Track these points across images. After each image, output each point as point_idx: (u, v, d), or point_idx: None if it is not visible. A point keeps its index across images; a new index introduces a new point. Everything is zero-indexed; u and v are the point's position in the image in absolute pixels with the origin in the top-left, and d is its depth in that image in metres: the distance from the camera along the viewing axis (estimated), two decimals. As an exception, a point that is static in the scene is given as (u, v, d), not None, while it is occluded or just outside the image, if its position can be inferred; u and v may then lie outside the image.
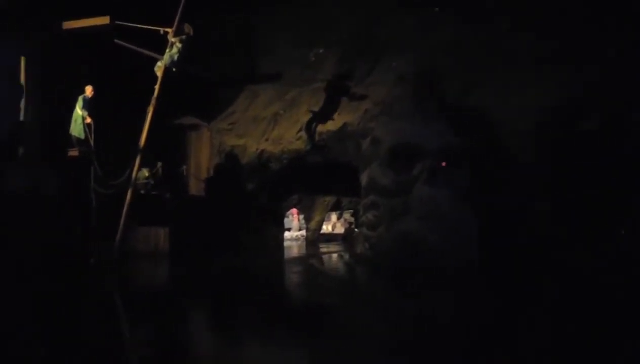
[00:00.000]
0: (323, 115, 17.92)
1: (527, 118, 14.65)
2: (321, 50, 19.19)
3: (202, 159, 20.05)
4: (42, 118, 14.93)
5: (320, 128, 17.80)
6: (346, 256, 18.41)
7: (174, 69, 15.26)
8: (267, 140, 19.05)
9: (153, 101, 15.07)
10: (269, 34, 19.87)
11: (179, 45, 15.13)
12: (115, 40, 15.28)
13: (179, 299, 10.32)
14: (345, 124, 17.14)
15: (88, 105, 15.12)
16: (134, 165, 14.87)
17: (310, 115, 18.09)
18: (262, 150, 19.02)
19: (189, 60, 15.75)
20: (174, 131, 19.63)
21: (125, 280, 13.38)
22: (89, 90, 15.17)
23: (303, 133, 18.15)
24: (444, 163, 14.07)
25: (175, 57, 15.13)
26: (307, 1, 19.29)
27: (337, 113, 17.70)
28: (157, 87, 15.17)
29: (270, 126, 19.13)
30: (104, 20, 15.06)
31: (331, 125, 17.53)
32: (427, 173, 13.70)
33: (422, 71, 15.60)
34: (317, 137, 17.81)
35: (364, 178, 14.95)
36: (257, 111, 19.58)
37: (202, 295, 10.70)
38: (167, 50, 15.20)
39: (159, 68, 15.27)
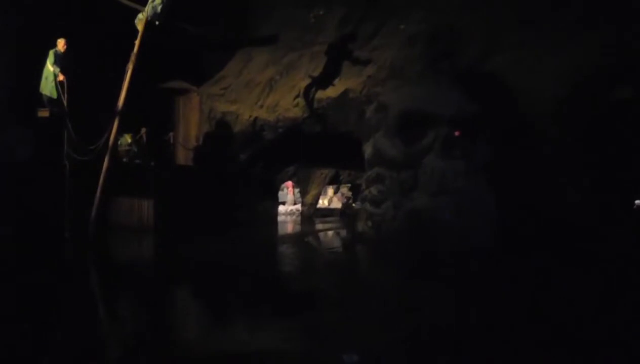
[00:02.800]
0: (322, 81, 16.06)
1: (552, 86, 12.84)
2: (321, 12, 17.29)
3: (190, 126, 18.20)
4: (9, 76, 13.11)
5: (319, 94, 15.95)
6: (345, 234, 16.69)
7: (157, 22, 13.36)
8: (261, 107, 17.19)
9: (132, 57, 13.16)
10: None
11: None
12: None
13: (159, 281, 9.08)
14: (346, 90, 15.30)
15: (60, 60, 13.25)
16: (111, 129, 13.04)
17: (308, 81, 16.27)
18: (256, 118, 17.16)
19: (174, 13, 13.85)
20: (160, 95, 17.72)
21: (102, 257, 11.77)
22: (61, 44, 13.26)
23: (300, 100, 16.30)
24: (457, 133, 12.38)
25: (159, 9, 13.21)
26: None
27: (338, 79, 15.90)
28: (137, 42, 13.26)
29: (265, 92, 17.24)
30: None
31: (331, 92, 15.69)
32: (439, 144, 11.96)
33: (435, 31, 13.76)
34: (315, 104, 16.00)
35: (367, 149, 13.16)
36: (251, 76, 17.68)
37: (182, 278, 9.39)
38: (150, 1, 13.32)
39: (139, 22, 13.36)
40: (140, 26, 13.29)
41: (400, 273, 10.00)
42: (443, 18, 14.21)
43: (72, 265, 10.52)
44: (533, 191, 12.53)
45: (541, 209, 12.34)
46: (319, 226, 19.73)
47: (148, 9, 13.23)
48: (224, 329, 6.00)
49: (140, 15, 13.36)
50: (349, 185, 27.44)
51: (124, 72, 13.41)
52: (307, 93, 16.19)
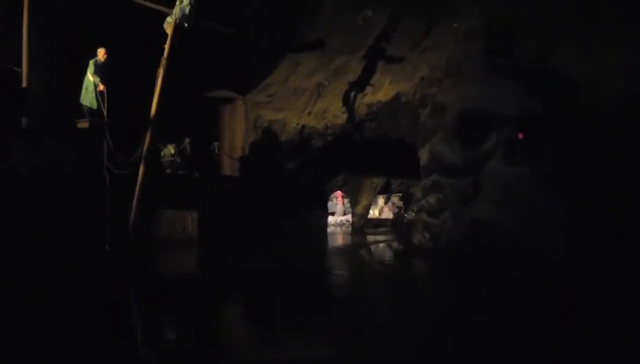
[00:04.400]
0: (372, 85, 15.13)
1: (622, 81, 11.55)
2: (370, 13, 16.36)
3: (236, 136, 17.40)
4: (48, 86, 12.55)
5: (369, 99, 14.96)
6: (400, 247, 15.53)
7: (185, 24, 12.55)
8: (309, 114, 16.27)
9: (163, 62, 12.29)
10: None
11: None
12: None
13: (202, 296, 8.40)
14: (398, 94, 14.20)
15: (100, 70, 12.62)
16: (145, 140, 12.26)
17: (357, 86, 15.34)
18: (304, 126, 16.23)
19: (204, 14, 13.03)
20: (204, 105, 17.04)
21: (144, 270, 11.01)
22: (101, 53, 12.64)
23: (350, 106, 15.38)
24: (521, 135, 11.19)
25: (187, 10, 12.35)
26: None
27: (388, 82, 14.88)
28: (167, 46, 12.46)
29: (313, 98, 16.33)
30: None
31: (382, 95, 14.64)
32: (502, 147, 10.80)
33: (492, 26, 12.58)
34: (365, 110, 14.99)
35: (423, 155, 12.05)
36: (298, 82, 16.82)
37: (227, 291, 8.81)
38: (178, 2, 12.53)
39: (168, 25, 12.51)
40: (169, 30, 12.51)
41: (464, 289, 8.89)
42: (498, 12, 13.05)
43: (112, 279, 9.78)
44: (605, 197, 11.22)
45: (614, 216, 11.03)
46: (371, 237, 18.61)
47: (176, 11, 12.43)
48: (275, 346, 5.64)
49: (168, 19, 12.59)
50: (400, 194, 26.25)
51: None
52: (356, 98, 15.23)
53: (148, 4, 12.66)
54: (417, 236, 11.82)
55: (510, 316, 6.80)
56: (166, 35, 12.71)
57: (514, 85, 11.44)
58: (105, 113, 12.47)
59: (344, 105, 15.52)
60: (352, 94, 15.27)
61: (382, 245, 16.34)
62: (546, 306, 7.38)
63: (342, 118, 15.54)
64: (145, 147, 12.03)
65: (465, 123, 11.06)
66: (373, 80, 15.04)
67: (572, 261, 10.10)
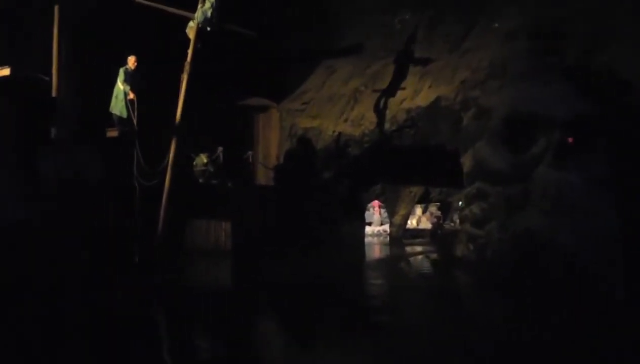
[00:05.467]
0: (411, 90, 14.42)
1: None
2: (407, 16, 15.68)
3: (270, 144, 16.85)
4: (78, 95, 12.18)
5: (407, 104, 14.24)
6: (441, 259, 14.67)
7: (208, 28, 12.04)
8: (345, 121, 15.63)
9: (186, 67, 11.83)
10: (345, 0, 16.56)
11: None
12: None
13: (234, 310, 7.92)
14: (438, 98, 13.45)
15: (131, 78, 12.21)
16: (171, 148, 11.73)
17: (396, 90, 14.66)
18: (340, 133, 15.57)
19: (228, 17, 12.53)
20: (238, 113, 16.54)
21: (173, 283, 10.44)
22: (131, 61, 12.24)
23: (388, 112, 14.68)
24: (571, 139, 10.32)
25: (209, 13, 11.87)
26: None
27: (427, 87, 14.15)
28: (190, 51, 11.98)
29: (350, 105, 15.69)
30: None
31: (421, 100, 13.92)
32: (552, 152, 9.95)
33: (537, 24, 11.75)
34: (404, 115, 14.28)
35: (466, 162, 11.26)
36: (334, 88, 16.20)
37: (261, 305, 8.41)
38: (199, 6, 12.04)
39: (191, 30, 12.07)
40: (191, 34, 12.05)
41: (513, 304, 8.09)
42: (540, 11, 12.23)
43: (141, 292, 9.25)
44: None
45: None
46: (410, 248, 17.80)
47: (198, 14, 11.97)
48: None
49: (191, 23, 12.15)
50: (438, 204, 25.37)
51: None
52: (393, 103, 14.55)
53: (170, 9, 12.27)
54: (460, 247, 10.99)
55: (564, 335, 6.04)
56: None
57: (562, 86, 10.58)
58: (135, 122, 12.04)
59: (381, 111, 14.85)
60: (390, 99, 14.59)
61: (422, 256, 15.53)
62: (602, 325, 6.58)
63: (380, 124, 14.85)
64: (171, 155, 11.51)
65: (512, 126, 10.24)
66: (411, 85, 14.35)
67: (630, 275, 9.19)
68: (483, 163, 10.58)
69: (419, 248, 17.59)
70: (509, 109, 10.31)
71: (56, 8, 12.13)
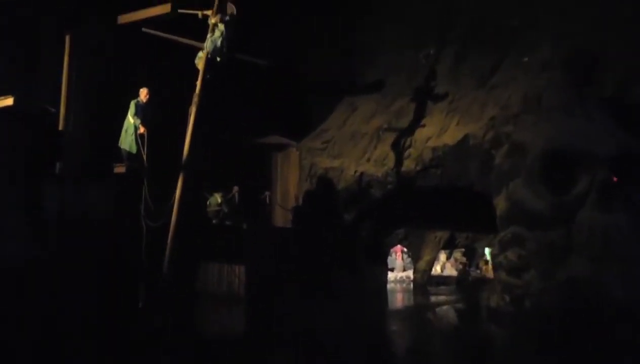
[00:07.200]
0: (437, 127, 13.48)
1: None
2: (432, 51, 14.86)
3: (289, 184, 15.88)
4: (86, 128, 11.46)
5: (433, 142, 13.27)
6: (472, 310, 13.37)
7: (218, 58, 11.31)
8: (368, 160, 14.64)
9: (195, 99, 11.03)
10: (367, 35, 15.83)
11: (221, 27, 11.20)
12: (143, 29, 11.55)
13: None
14: (466, 136, 12.45)
15: (142, 111, 11.45)
16: (179, 184, 10.82)
17: (421, 129, 13.75)
18: (362, 173, 14.56)
19: (238, 46, 11.82)
20: (255, 151, 15.69)
21: (177, 331, 9.43)
22: (143, 94, 11.48)
23: (413, 151, 13.72)
24: (615, 178, 9.26)
25: (219, 42, 11.13)
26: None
27: (455, 124, 13.20)
28: (199, 82, 11.20)
29: (372, 144, 14.73)
30: (165, 8, 11.41)
31: (448, 138, 12.92)
32: (597, 191, 8.89)
33: (572, 55, 10.82)
34: (430, 154, 13.30)
35: (500, 204, 10.17)
36: (355, 126, 15.28)
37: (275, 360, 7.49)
38: (209, 35, 11.32)
39: (200, 60, 11.33)
40: (200, 65, 11.32)
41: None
42: (575, 41, 11.34)
43: (144, 341, 8.28)
44: None
45: None
46: (436, 297, 16.55)
47: (207, 44, 11.26)
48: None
49: (200, 53, 11.43)
50: (463, 249, 24.13)
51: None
52: (418, 142, 13.63)
53: (179, 39, 11.64)
54: (495, 298, 9.83)
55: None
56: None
57: (603, 119, 9.61)
58: (145, 158, 11.22)
59: (406, 150, 13.90)
60: (415, 138, 13.66)
61: (450, 306, 14.27)
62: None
63: (405, 164, 13.86)
64: (178, 192, 10.60)
65: (550, 164, 9.22)
66: (438, 122, 13.41)
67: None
68: (519, 205, 9.54)
69: (445, 297, 16.33)
70: (547, 145, 9.32)
71: (67, 38, 11.55)
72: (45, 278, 10.09)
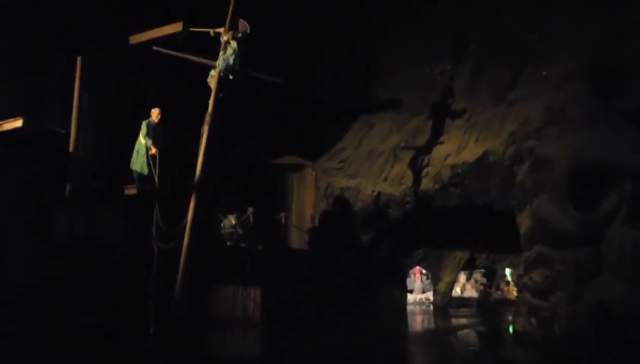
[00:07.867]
0: (455, 144, 13.06)
1: None
2: (448, 67, 14.48)
3: (305, 205, 15.50)
4: (97, 150, 11.22)
5: (452, 160, 12.83)
6: (496, 333, 12.77)
7: (230, 76, 11.03)
8: (385, 180, 14.25)
9: (207, 118, 10.74)
10: (383, 52, 15.52)
11: (234, 44, 10.95)
12: (155, 47, 11.31)
13: None
14: (485, 153, 12.01)
15: (154, 132, 11.18)
16: (191, 205, 10.47)
17: (439, 146, 13.35)
18: (380, 193, 14.17)
19: (250, 64, 11.54)
20: (271, 172, 15.37)
21: (189, 358, 9.00)
22: (155, 114, 11.21)
23: (431, 169, 13.31)
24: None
25: (231, 60, 10.87)
26: (428, 10, 14.89)
27: (474, 141, 12.77)
28: (211, 101, 10.92)
29: (389, 163, 14.34)
30: (176, 27, 11.21)
31: (467, 156, 12.49)
32: (627, 207, 8.39)
33: (596, 65, 10.37)
34: (449, 172, 12.87)
35: (524, 222, 9.68)
36: (372, 145, 14.92)
37: None
38: (221, 53, 11.04)
39: (212, 79, 11.07)
40: (213, 83, 11.05)
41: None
42: (598, 51, 10.89)
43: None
44: None
45: None
46: (457, 320, 15.94)
47: (219, 62, 10.99)
48: None
49: (212, 72, 11.17)
50: (483, 270, 23.47)
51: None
52: (436, 160, 13.21)
53: (191, 57, 11.40)
54: (520, 321, 9.30)
55: None
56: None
57: (631, 131, 9.13)
58: (156, 179, 10.91)
59: (424, 168, 13.50)
60: (433, 156, 13.26)
61: (473, 329, 13.67)
62: None
63: (423, 182, 13.46)
64: (190, 213, 10.24)
65: (577, 179, 8.74)
66: (456, 139, 12.99)
67: None
68: (544, 223, 9.04)
69: (467, 319, 15.72)
70: (573, 159, 8.84)
71: (79, 59, 11.37)
72: (54, 303, 9.81)
